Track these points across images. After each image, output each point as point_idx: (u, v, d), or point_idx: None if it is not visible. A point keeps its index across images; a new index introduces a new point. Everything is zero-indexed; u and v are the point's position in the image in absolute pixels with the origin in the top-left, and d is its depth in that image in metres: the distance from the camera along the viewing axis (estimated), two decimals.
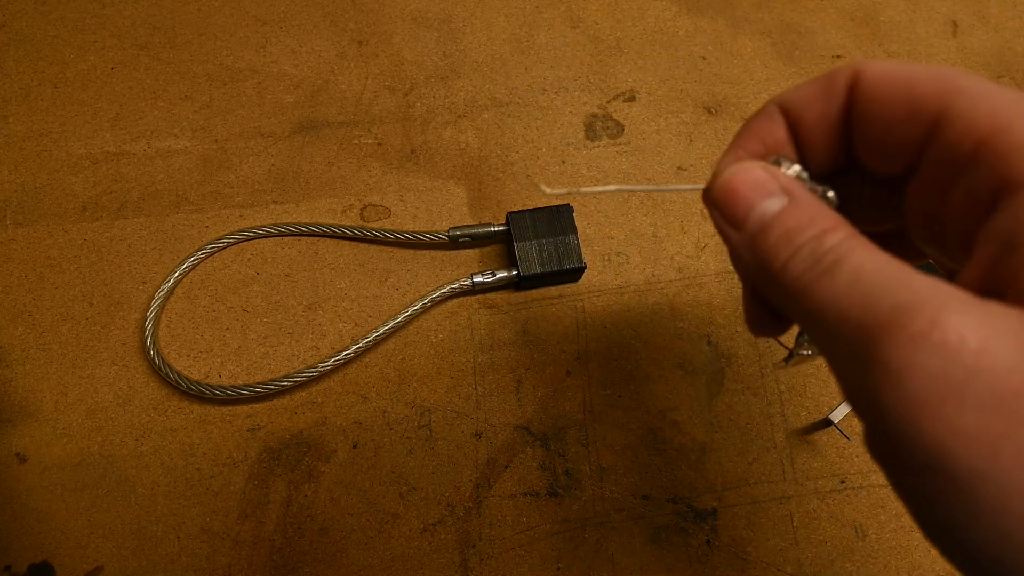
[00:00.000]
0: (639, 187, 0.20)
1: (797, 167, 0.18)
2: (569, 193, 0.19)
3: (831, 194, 0.18)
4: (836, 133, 0.18)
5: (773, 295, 0.16)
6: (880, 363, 0.13)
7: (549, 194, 0.23)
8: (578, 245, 0.35)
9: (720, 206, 0.17)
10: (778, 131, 0.19)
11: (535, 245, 0.34)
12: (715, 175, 0.18)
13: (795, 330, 0.22)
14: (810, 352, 0.24)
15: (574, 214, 0.35)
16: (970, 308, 0.12)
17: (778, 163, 0.18)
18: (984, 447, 0.12)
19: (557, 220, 0.35)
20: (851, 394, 0.14)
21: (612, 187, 0.19)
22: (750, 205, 0.17)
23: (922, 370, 0.12)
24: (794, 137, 0.19)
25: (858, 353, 0.13)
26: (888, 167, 0.17)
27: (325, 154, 0.39)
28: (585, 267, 0.35)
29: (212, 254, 0.36)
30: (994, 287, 0.14)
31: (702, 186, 0.18)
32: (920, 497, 0.14)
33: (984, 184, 0.14)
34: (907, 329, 0.12)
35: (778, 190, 0.17)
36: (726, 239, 0.18)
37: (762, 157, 0.19)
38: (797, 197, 0.17)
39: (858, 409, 0.14)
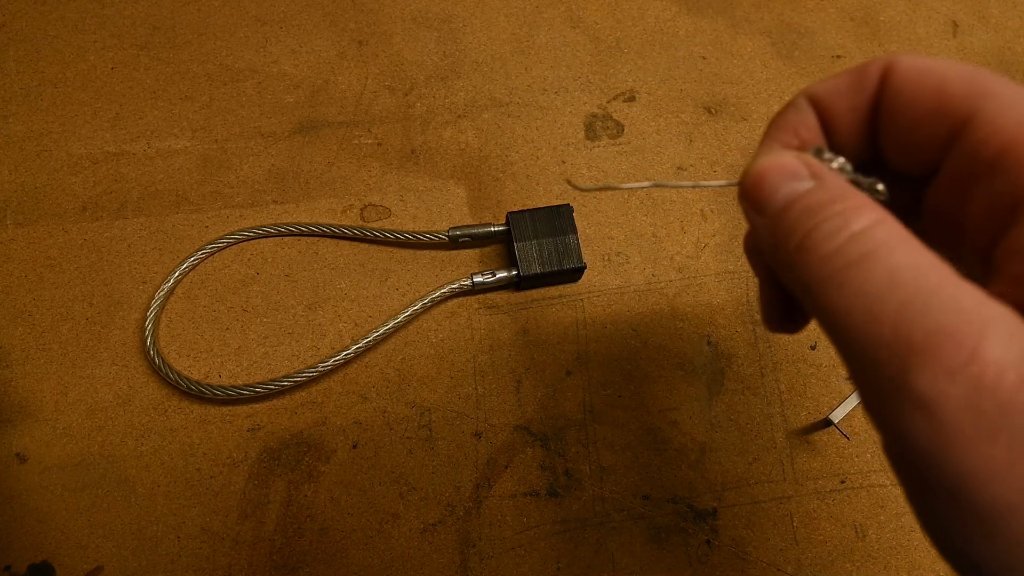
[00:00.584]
0: (676, 183, 0.20)
1: (841, 159, 0.17)
2: (602, 189, 0.18)
3: (880, 187, 0.16)
4: (865, 126, 0.17)
5: (792, 282, 0.15)
6: (912, 392, 0.12)
7: (582, 190, 0.23)
8: (578, 245, 0.35)
9: (747, 193, 0.17)
10: (810, 122, 0.18)
11: (535, 245, 0.34)
12: (748, 167, 0.17)
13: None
14: None
15: (574, 214, 0.35)
16: (1011, 338, 0.12)
17: (820, 153, 0.17)
18: (1014, 483, 0.12)
19: (557, 220, 0.35)
20: (873, 410, 0.14)
21: (646, 183, 0.19)
22: (776, 188, 0.16)
23: (956, 403, 0.12)
24: (824, 129, 0.18)
25: (887, 374, 0.12)
26: (912, 164, 0.17)
27: (325, 154, 0.39)
28: (585, 267, 0.35)
29: (212, 254, 0.36)
30: (1021, 305, 0.13)
31: (737, 181, 0.18)
32: (939, 520, 0.13)
33: (1004, 194, 0.14)
34: (944, 361, 0.12)
35: (807, 174, 0.16)
36: (752, 228, 0.17)
37: (798, 149, 0.18)
38: (826, 179, 0.16)
39: (879, 424, 0.14)
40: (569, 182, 0.22)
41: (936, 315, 0.12)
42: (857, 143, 0.18)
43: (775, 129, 0.18)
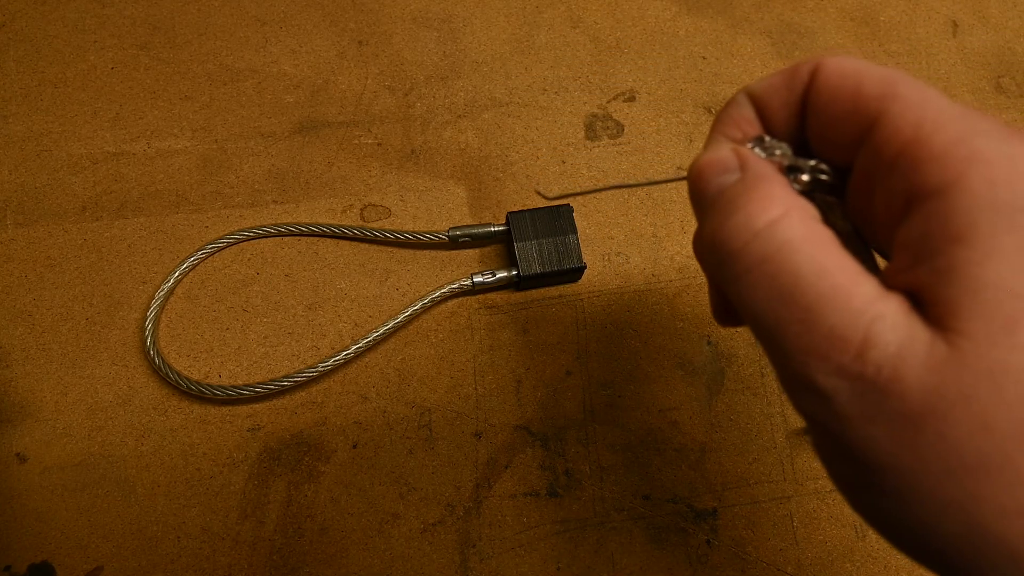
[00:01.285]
0: (633, 183, 0.21)
1: (784, 145, 0.18)
2: (567, 196, 0.19)
3: (824, 166, 0.17)
4: (796, 122, 0.18)
5: (718, 277, 0.16)
6: (813, 386, 0.14)
7: (548, 199, 0.23)
8: (578, 245, 0.35)
9: (689, 187, 0.18)
10: (750, 116, 0.19)
11: (535, 245, 0.34)
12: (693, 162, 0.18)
13: None
14: None
15: (574, 214, 0.35)
16: (893, 333, 0.14)
17: (761, 141, 0.18)
18: (894, 454, 0.14)
19: (557, 220, 0.35)
20: (788, 393, 0.16)
21: (609, 187, 0.20)
22: (710, 181, 0.17)
23: (846, 394, 0.14)
24: (762, 124, 0.19)
25: (793, 370, 0.15)
26: (835, 159, 0.18)
27: (325, 154, 0.39)
28: (585, 267, 0.35)
29: (212, 254, 0.36)
30: (911, 294, 0.14)
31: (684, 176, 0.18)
32: (846, 480, 0.16)
33: (899, 190, 0.15)
34: (835, 361, 0.14)
35: (736, 166, 0.17)
36: (698, 223, 0.18)
37: (741, 142, 0.19)
38: (749, 168, 0.17)
39: (794, 405, 0.16)
40: (538, 191, 0.22)
41: (830, 319, 0.14)
42: (791, 138, 0.19)
43: (719, 124, 0.19)
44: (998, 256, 0.13)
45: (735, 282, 0.15)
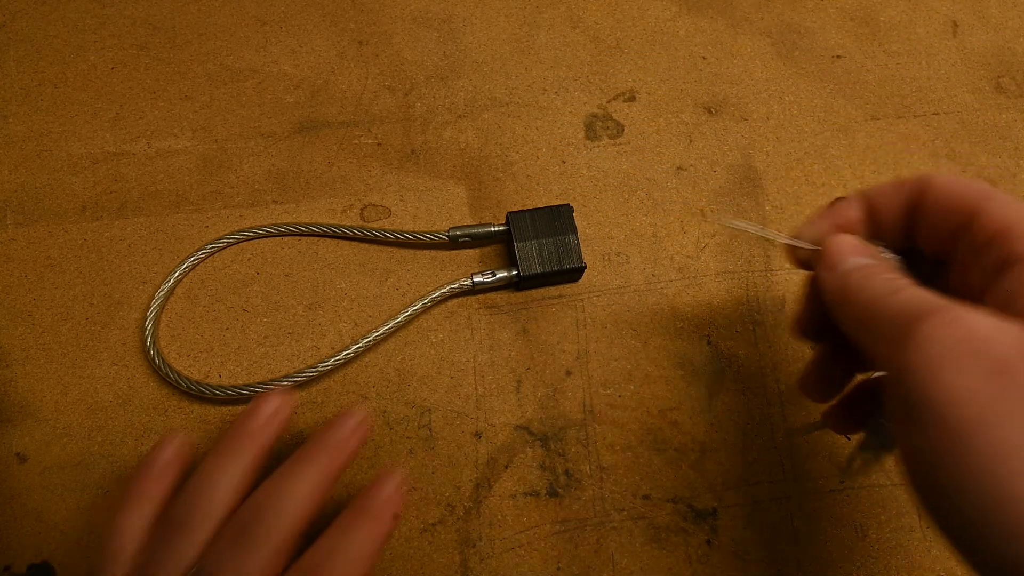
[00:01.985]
0: (775, 236, 0.27)
1: (891, 253, 0.25)
2: (732, 227, 0.26)
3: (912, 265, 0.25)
4: (901, 222, 0.25)
5: (842, 312, 0.23)
6: (913, 338, 0.18)
7: (718, 222, 0.30)
8: (578, 245, 0.35)
9: (828, 256, 0.24)
10: (853, 213, 0.25)
11: (535, 245, 0.34)
12: (806, 228, 0.26)
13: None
14: (869, 457, 0.31)
15: (574, 214, 0.35)
16: (984, 314, 0.18)
17: (877, 244, 0.25)
18: (982, 404, 0.17)
19: (557, 220, 0.35)
20: (885, 365, 0.20)
21: (769, 234, 0.27)
22: (845, 257, 0.24)
23: (941, 343, 0.18)
24: (871, 220, 0.25)
25: (900, 334, 0.19)
26: (938, 248, 0.24)
27: (325, 154, 0.39)
28: (585, 267, 0.35)
29: (212, 254, 0.36)
30: None
31: (815, 247, 0.25)
32: (923, 454, 0.18)
33: (992, 262, 0.21)
34: (937, 319, 0.18)
35: (868, 254, 0.24)
36: (821, 280, 0.24)
37: (844, 230, 0.25)
38: (881, 260, 0.24)
39: (889, 379, 0.19)
40: (703, 213, 0.30)
41: (934, 303, 0.19)
42: (895, 235, 0.25)
43: (830, 211, 0.26)
44: None
45: (866, 307, 0.21)
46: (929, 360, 0.17)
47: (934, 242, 0.24)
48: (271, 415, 0.27)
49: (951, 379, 0.17)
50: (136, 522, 0.25)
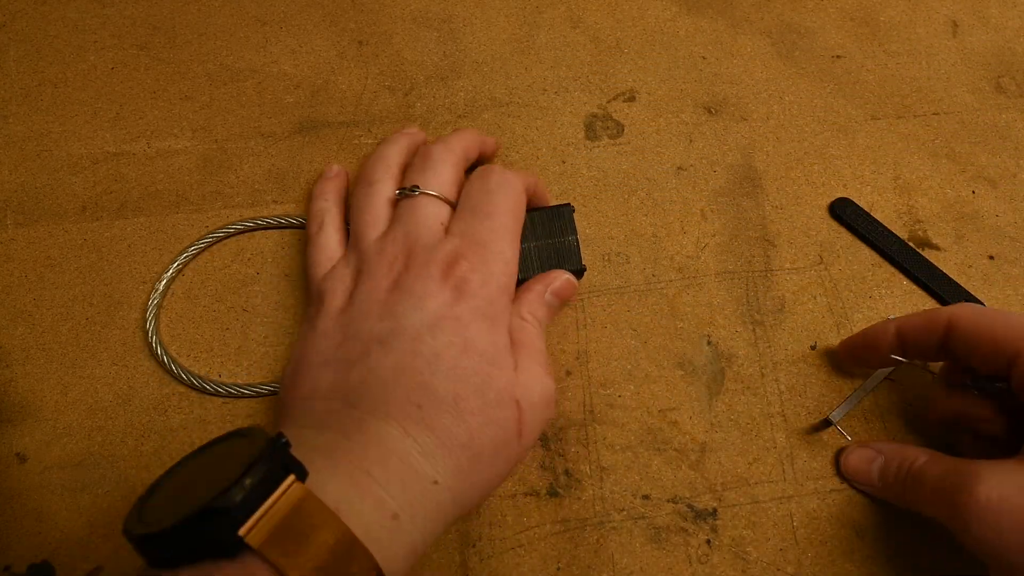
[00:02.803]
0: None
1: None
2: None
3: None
4: (935, 350, 0.29)
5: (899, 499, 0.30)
6: (961, 509, 0.25)
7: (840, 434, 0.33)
8: (578, 247, 0.34)
9: (849, 475, 0.32)
10: (886, 340, 0.31)
11: (535, 248, 0.34)
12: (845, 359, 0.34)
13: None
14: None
15: (574, 215, 0.35)
16: (999, 475, 0.25)
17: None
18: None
19: (557, 221, 0.35)
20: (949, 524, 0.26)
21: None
22: (869, 472, 0.31)
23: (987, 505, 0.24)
24: (902, 347, 0.30)
25: (950, 506, 0.25)
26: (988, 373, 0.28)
27: (325, 154, 0.39)
28: (585, 269, 0.34)
29: (219, 241, 0.36)
30: None
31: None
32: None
33: None
34: (970, 494, 0.24)
35: (878, 456, 0.31)
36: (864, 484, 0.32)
37: (877, 350, 0.31)
38: (887, 455, 0.30)
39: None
40: (834, 426, 0.33)
41: (960, 476, 0.26)
42: (926, 356, 0.31)
43: (865, 335, 0.32)
44: None
45: (910, 497, 0.29)
46: (986, 528, 0.24)
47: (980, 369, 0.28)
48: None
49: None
50: (333, 192, 0.35)
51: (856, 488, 0.32)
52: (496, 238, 0.29)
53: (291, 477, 0.21)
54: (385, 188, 0.32)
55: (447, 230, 0.30)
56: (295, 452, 0.22)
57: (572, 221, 0.35)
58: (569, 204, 0.35)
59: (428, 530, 0.24)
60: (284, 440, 0.22)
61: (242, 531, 0.19)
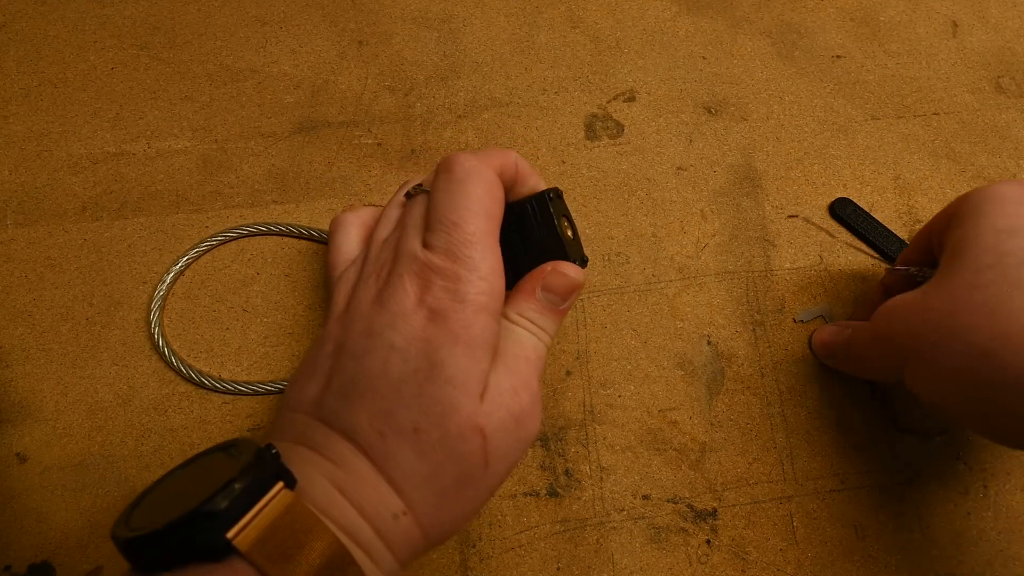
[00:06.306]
0: None
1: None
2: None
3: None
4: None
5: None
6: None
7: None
8: (575, 237, 0.30)
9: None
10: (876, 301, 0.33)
11: (523, 245, 0.29)
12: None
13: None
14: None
15: (563, 199, 0.30)
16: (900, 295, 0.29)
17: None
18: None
19: (542, 211, 0.29)
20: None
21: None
22: (837, 343, 0.33)
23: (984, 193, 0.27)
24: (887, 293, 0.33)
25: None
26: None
27: (325, 154, 0.39)
28: (587, 260, 0.30)
29: (222, 243, 0.36)
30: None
31: None
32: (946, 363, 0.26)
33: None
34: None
35: (845, 330, 0.33)
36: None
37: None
38: (855, 328, 0.32)
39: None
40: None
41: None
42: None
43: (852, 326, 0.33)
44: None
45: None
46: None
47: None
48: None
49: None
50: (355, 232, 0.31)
51: (823, 363, 0.34)
52: (468, 251, 0.25)
53: (280, 484, 0.21)
54: (409, 187, 0.30)
55: (425, 241, 0.26)
56: (302, 468, 0.22)
57: (562, 206, 0.30)
58: (555, 188, 0.30)
59: (401, 557, 0.23)
60: (275, 451, 0.22)
61: (230, 534, 0.19)
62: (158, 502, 0.22)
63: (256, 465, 0.21)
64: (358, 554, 0.22)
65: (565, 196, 0.38)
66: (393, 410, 0.23)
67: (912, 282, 0.30)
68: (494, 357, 0.25)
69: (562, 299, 0.28)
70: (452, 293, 0.25)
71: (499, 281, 0.26)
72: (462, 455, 0.23)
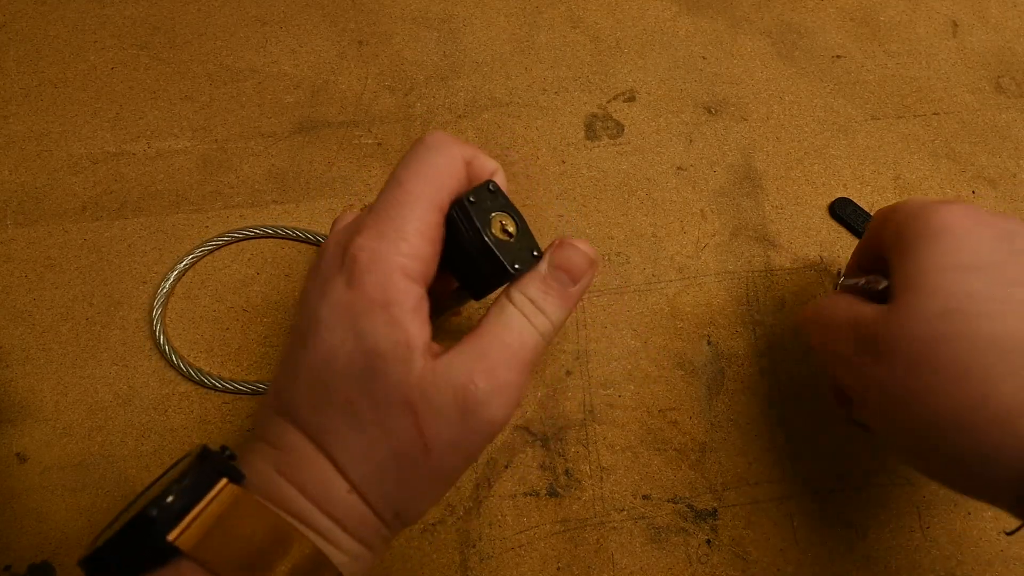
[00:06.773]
0: None
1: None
2: None
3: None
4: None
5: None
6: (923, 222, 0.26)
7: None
8: (524, 228, 0.26)
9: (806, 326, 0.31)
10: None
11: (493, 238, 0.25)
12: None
13: None
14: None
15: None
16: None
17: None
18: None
19: (493, 199, 0.25)
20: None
21: None
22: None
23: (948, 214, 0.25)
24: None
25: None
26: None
27: (325, 154, 0.39)
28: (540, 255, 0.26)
29: (223, 245, 0.36)
30: None
31: None
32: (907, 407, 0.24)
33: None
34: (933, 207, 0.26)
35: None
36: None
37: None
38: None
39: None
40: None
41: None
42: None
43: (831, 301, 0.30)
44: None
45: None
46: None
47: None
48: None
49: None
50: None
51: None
52: (397, 210, 0.23)
53: (223, 481, 0.21)
54: None
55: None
56: (251, 460, 0.22)
57: (499, 202, 0.26)
58: (489, 181, 0.26)
59: (360, 537, 0.23)
60: (229, 453, 0.22)
61: (171, 536, 0.20)
62: (119, 520, 0.22)
63: (198, 466, 0.21)
64: (307, 532, 0.22)
65: (565, 196, 0.38)
66: (327, 382, 0.23)
67: (866, 293, 0.28)
68: (470, 335, 0.24)
69: (572, 279, 0.25)
70: (368, 252, 0.23)
71: (426, 247, 0.23)
72: (392, 430, 0.22)
